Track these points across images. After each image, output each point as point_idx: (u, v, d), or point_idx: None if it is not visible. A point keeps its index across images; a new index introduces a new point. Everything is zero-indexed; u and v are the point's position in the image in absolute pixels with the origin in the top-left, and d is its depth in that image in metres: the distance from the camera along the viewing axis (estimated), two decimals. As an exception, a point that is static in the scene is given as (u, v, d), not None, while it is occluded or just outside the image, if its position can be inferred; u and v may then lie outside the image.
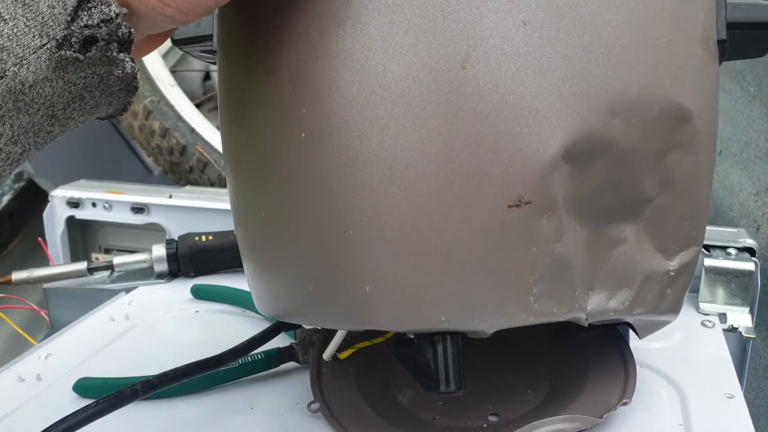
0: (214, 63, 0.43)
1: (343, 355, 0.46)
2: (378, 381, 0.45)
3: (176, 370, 0.39)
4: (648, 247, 0.39)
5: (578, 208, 0.35)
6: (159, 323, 0.56)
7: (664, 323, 0.44)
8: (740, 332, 0.56)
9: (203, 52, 0.45)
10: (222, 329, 0.55)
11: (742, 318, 0.57)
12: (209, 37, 0.43)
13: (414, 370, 0.34)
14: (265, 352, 0.47)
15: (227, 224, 0.66)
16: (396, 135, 0.32)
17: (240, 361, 0.46)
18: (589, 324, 0.49)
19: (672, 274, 0.40)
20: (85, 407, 0.34)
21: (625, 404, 0.41)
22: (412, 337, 0.35)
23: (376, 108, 0.32)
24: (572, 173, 0.33)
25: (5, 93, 0.24)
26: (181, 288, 0.62)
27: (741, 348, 0.57)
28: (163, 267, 0.63)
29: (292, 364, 0.48)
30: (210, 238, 0.63)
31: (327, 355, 0.46)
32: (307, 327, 0.48)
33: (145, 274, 0.63)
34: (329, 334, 0.47)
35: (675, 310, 0.42)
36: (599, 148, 0.33)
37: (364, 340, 0.47)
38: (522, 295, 0.33)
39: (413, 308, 0.33)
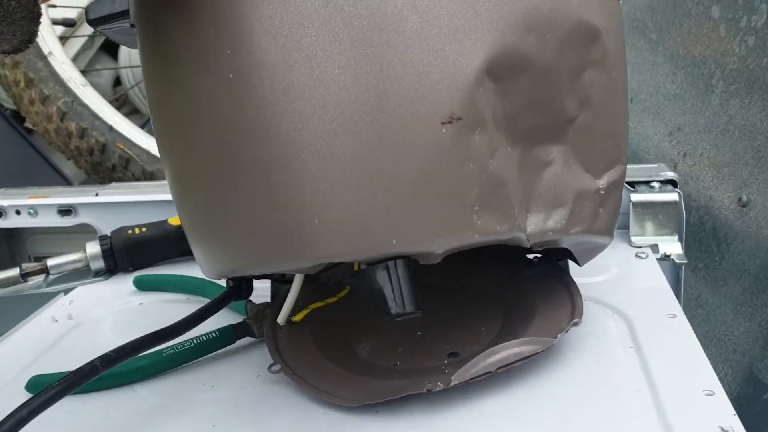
0: (133, 45, 0.43)
1: (298, 317, 0.46)
2: (335, 338, 0.46)
3: (132, 342, 0.38)
4: (576, 167, 0.41)
5: (506, 127, 0.36)
6: (104, 319, 0.55)
7: (601, 247, 0.46)
8: (673, 260, 0.58)
9: (119, 33, 0.44)
10: (168, 318, 0.54)
11: (672, 246, 0.60)
12: (126, 13, 0.42)
13: (372, 298, 0.35)
14: (219, 330, 0.46)
15: (158, 215, 0.65)
16: (324, 62, 0.32)
17: (195, 341, 0.45)
18: (534, 257, 0.50)
19: (602, 192, 0.42)
20: (47, 388, 0.33)
21: (576, 324, 0.42)
22: (364, 266, 0.35)
23: (301, 38, 0.32)
24: (497, 90, 0.34)
25: None
26: (122, 283, 0.61)
27: (675, 274, 0.60)
28: (99, 264, 0.61)
29: (248, 339, 0.48)
30: (144, 229, 0.62)
31: (281, 319, 0.45)
32: (255, 280, 0.47)
33: (82, 274, 0.61)
34: (282, 303, 0.47)
35: (609, 231, 0.44)
36: (519, 64, 0.35)
37: (317, 301, 0.47)
38: (465, 212, 0.34)
39: (363, 235, 0.33)
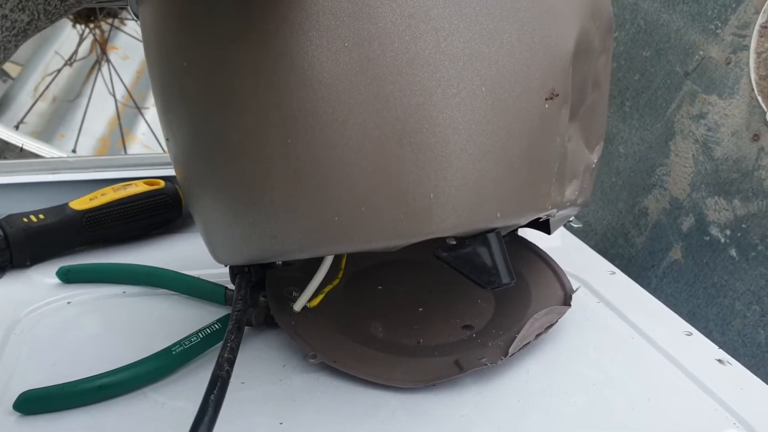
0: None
1: (313, 303, 0.44)
2: (348, 320, 0.44)
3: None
4: (581, 143, 0.45)
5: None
6: (38, 323, 0.45)
7: (571, 216, 0.51)
8: (571, 224, 0.66)
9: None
10: (108, 316, 0.47)
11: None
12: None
13: (470, 271, 0.35)
14: (220, 321, 0.42)
15: (51, 199, 0.55)
16: (450, 35, 0.32)
17: (201, 334, 0.40)
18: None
19: (593, 166, 0.46)
20: (204, 402, 0.28)
21: (576, 290, 0.47)
22: (454, 242, 0.35)
23: (429, 9, 0.31)
24: (572, 70, 0.37)
25: None
26: (22, 281, 0.50)
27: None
28: (-11, 260, 0.50)
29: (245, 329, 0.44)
30: (42, 216, 0.52)
31: (299, 306, 0.43)
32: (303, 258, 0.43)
33: (-37, 274, 0.50)
34: (279, 291, 0.44)
35: (588, 200, 0.49)
36: (585, 47, 0.38)
37: (325, 286, 0.45)
38: (548, 184, 0.36)
39: (473, 209, 0.33)
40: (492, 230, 0.35)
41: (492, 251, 0.35)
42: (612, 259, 0.79)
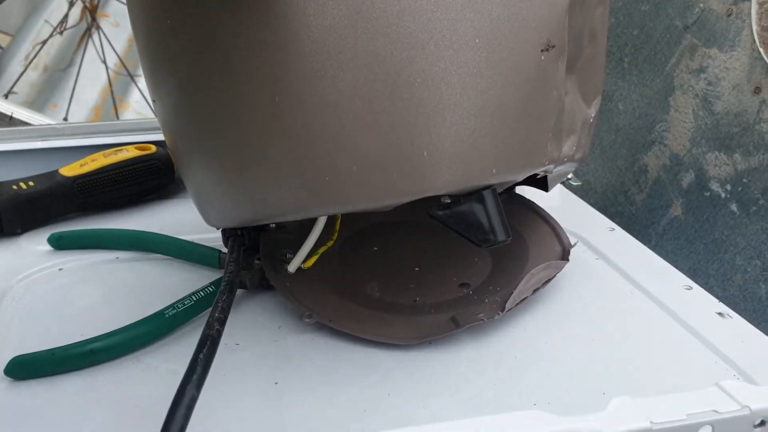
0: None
1: (308, 264, 0.43)
2: (344, 281, 0.44)
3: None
4: (578, 97, 0.44)
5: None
6: (29, 291, 0.44)
7: (569, 172, 0.50)
8: (570, 182, 0.65)
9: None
10: (102, 282, 0.46)
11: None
12: None
13: (466, 229, 0.34)
14: (213, 283, 0.41)
15: (40, 166, 0.54)
16: (443, -13, 0.30)
17: (194, 297, 0.40)
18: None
19: (591, 121, 0.45)
20: (193, 360, 0.28)
21: (575, 245, 0.46)
22: (448, 200, 0.34)
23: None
24: (567, 21, 0.36)
25: None
26: (13, 249, 0.50)
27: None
28: (-20, 229, 0.49)
29: (240, 292, 0.44)
30: (31, 183, 0.51)
31: (293, 267, 0.42)
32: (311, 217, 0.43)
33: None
34: (274, 254, 0.44)
35: (587, 155, 0.48)
36: None
37: (319, 247, 0.45)
38: (545, 139, 0.35)
39: (468, 166, 0.33)
40: (487, 187, 0.34)
41: (487, 209, 0.34)
42: (612, 217, 0.79)
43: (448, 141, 0.32)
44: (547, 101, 0.35)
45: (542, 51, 0.33)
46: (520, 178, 0.36)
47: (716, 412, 0.26)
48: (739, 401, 0.26)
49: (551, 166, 0.38)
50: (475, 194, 0.34)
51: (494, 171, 0.33)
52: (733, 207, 0.63)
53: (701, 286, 0.45)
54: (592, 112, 0.45)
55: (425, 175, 0.32)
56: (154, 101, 0.39)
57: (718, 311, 0.42)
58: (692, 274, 0.67)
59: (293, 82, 0.31)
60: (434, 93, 0.31)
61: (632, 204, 0.75)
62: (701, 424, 0.26)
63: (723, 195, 0.64)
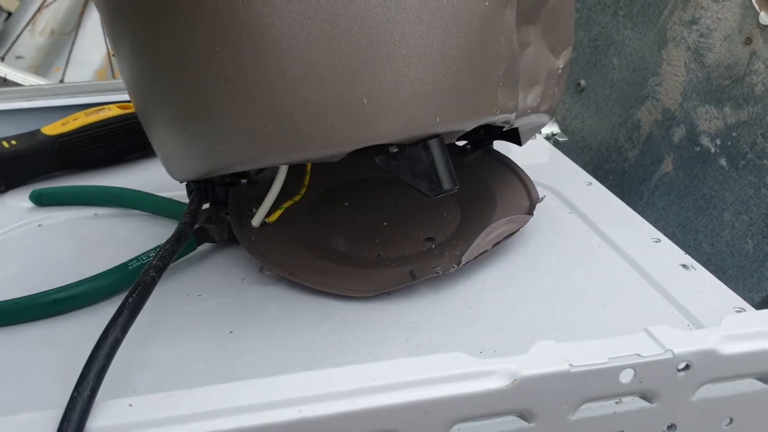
0: None
1: (272, 218, 0.44)
2: (309, 235, 0.44)
3: (165, 247, 0.34)
4: (544, 48, 0.43)
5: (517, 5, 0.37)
6: (7, 246, 0.46)
7: (541, 125, 0.50)
8: (556, 138, 0.65)
9: None
10: (81, 238, 0.48)
11: (552, 127, 0.67)
12: None
13: (412, 178, 0.34)
14: (178, 234, 0.42)
15: (21, 125, 0.55)
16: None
17: (158, 250, 0.41)
18: (478, 142, 0.53)
19: (559, 72, 0.45)
20: (123, 304, 0.28)
21: (542, 200, 0.46)
22: (395, 150, 0.34)
23: None
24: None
25: None
26: (-2, 205, 0.51)
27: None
28: (-36, 187, 0.51)
29: (206, 245, 0.44)
30: (14, 142, 0.52)
31: (257, 221, 0.43)
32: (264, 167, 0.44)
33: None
34: (241, 209, 0.44)
35: (556, 109, 0.47)
36: None
37: (287, 201, 0.45)
38: (494, 88, 0.35)
39: (411, 114, 0.32)
40: (433, 136, 0.34)
41: (433, 157, 0.34)
42: (606, 174, 0.78)
43: (388, 89, 0.32)
44: (494, 49, 0.34)
45: (486, -3, 0.33)
46: (468, 127, 0.35)
47: (638, 355, 0.26)
48: (663, 345, 0.26)
49: (508, 116, 0.38)
50: (421, 143, 0.34)
51: (438, 120, 0.33)
52: (723, 162, 0.62)
53: (690, 242, 0.44)
54: (561, 62, 0.45)
55: (366, 124, 0.32)
56: (113, 55, 0.40)
57: (682, 263, 0.42)
58: (681, 229, 0.67)
59: (231, 31, 0.31)
60: (372, 40, 0.31)
61: (625, 160, 0.74)
62: (622, 368, 0.26)
63: (713, 150, 0.63)
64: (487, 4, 0.33)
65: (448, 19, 0.32)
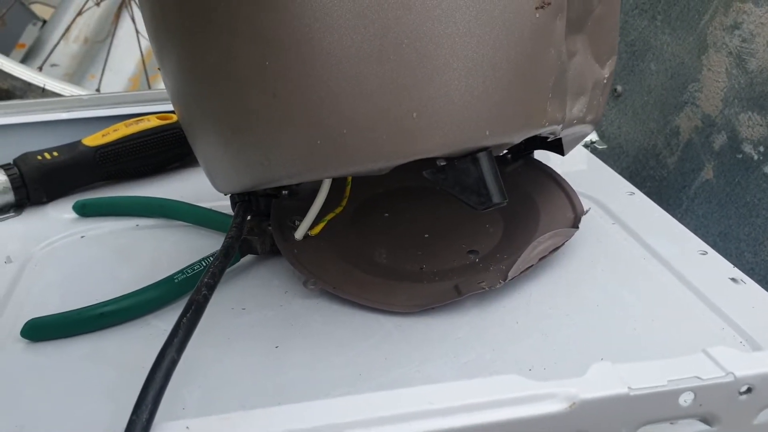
0: None
1: (315, 231, 0.44)
2: (351, 247, 0.44)
3: (214, 264, 0.34)
4: (590, 57, 0.42)
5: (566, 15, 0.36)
6: (51, 257, 0.46)
7: (585, 135, 0.49)
8: (595, 145, 0.64)
9: None
10: (123, 248, 0.48)
11: (592, 135, 0.66)
12: None
13: (461, 192, 0.34)
14: (222, 247, 0.42)
15: (61, 137, 0.56)
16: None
17: (204, 262, 0.41)
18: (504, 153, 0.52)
19: (604, 82, 0.44)
20: (177, 324, 0.28)
21: (587, 212, 0.45)
22: (443, 163, 0.34)
23: None
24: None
25: None
26: (39, 217, 0.52)
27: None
28: (8, 198, 0.51)
29: (249, 257, 0.44)
30: (55, 154, 0.53)
31: (300, 234, 0.43)
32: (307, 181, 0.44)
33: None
34: (284, 221, 0.44)
35: (600, 119, 0.47)
36: None
37: (328, 213, 0.45)
38: (543, 99, 0.35)
39: (461, 127, 0.32)
40: (482, 149, 0.34)
41: (482, 171, 0.34)
42: (644, 181, 0.77)
43: (438, 103, 0.31)
44: (544, 61, 0.34)
45: (537, 8, 0.32)
46: (517, 140, 0.35)
47: (698, 378, 0.25)
48: (724, 367, 0.26)
49: (555, 127, 0.37)
50: (470, 156, 0.34)
51: (488, 133, 0.33)
52: (766, 169, 0.61)
53: (732, 251, 0.43)
54: (606, 72, 0.44)
55: (415, 137, 0.32)
56: (158, 69, 0.40)
57: (731, 276, 0.41)
58: (723, 238, 0.65)
59: (280, 45, 0.31)
60: (422, 54, 0.31)
61: (664, 167, 0.73)
62: (682, 391, 0.25)
63: (756, 157, 0.61)
64: (537, 15, 0.32)
65: (499, 31, 0.32)
